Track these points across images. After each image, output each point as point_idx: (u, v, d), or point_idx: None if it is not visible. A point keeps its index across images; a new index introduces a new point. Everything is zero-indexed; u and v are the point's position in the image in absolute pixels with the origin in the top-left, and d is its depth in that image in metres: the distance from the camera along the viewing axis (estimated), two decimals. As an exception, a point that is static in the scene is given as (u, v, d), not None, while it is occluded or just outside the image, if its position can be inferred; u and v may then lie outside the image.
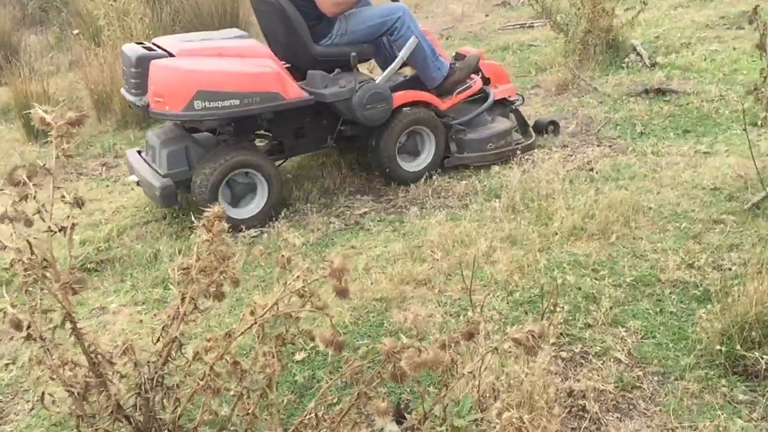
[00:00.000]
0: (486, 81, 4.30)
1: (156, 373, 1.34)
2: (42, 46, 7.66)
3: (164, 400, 1.34)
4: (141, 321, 2.88)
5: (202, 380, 1.28)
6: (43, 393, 1.30)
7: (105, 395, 1.26)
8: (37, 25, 8.52)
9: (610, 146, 4.16)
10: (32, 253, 1.17)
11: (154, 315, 2.92)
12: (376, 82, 3.77)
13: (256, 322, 1.34)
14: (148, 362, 1.36)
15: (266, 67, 3.58)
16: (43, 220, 1.18)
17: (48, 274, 1.21)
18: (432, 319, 2.65)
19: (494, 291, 2.80)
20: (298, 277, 1.34)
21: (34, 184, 1.17)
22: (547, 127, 4.38)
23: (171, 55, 3.55)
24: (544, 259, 2.96)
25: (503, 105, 4.31)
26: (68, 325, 1.25)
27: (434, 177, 3.94)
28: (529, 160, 4.04)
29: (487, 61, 4.46)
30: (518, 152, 4.02)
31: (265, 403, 1.40)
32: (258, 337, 1.36)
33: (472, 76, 4.18)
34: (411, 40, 3.81)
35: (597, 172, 3.76)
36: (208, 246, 1.39)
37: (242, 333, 1.35)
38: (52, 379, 1.29)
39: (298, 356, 2.51)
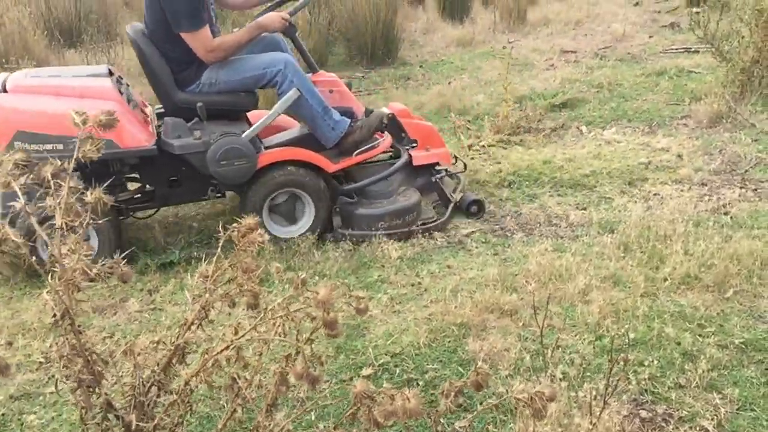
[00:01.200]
0: (410, 143, 3.85)
1: (154, 378, 1.37)
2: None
3: (165, 404, 1.37)
4: (229, 314, 2.98)
5: (177, 394, 1.29)
6: (57, 380, 1.38)
7: (96, 393, 1.31)
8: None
9: (754, 189, 3.76)
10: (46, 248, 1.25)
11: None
12: (241, 136, 3.39)
13: (232, 343, 1.33)
14: (157, 364, 1.40)
15: (99, 110, 3.21)
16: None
17: (56, 270, 1.28)
18: (507, 353, 2.53)
19: (581, 333, 2.61)
20: (279, 304, 1.30)
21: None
22: (469, 207, 3.75)
23: (5, 90, 3.31)
24: (645, 305, 2.72)
25: (431, 173, 3.86)
26: (67, 320, 1.31)
27: (551, 203, 3.76)
28: (658, 195, 3.75)
29: (416, 121, 3.96)
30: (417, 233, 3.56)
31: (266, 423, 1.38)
32: (236, 359, 1.35)
33: (380, 135, 3.76)
34: (290, 93, 3.44)
35: (731, 217, 3.41)
36: (233, 257, 1.40)
37: (218, 354, 1.34)
38: (65, 368, 1.35)
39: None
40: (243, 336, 1.32)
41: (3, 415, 2.42)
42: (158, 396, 1.41)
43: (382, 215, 3.55)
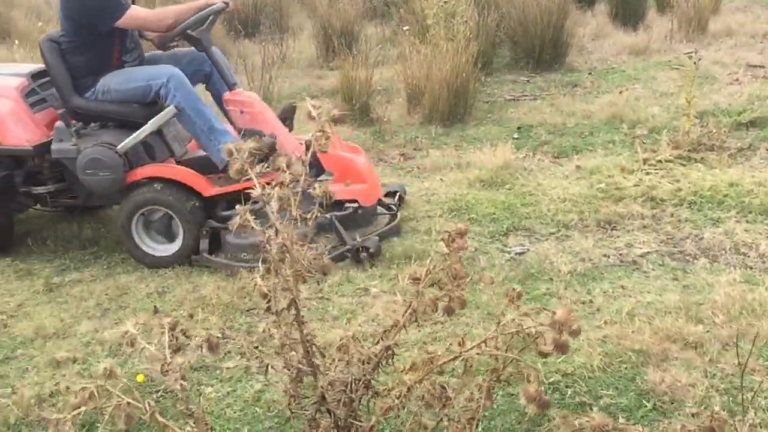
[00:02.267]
0: (326, 175, 3.54)
1: (364, 376, 1.36)
2: (378, 38, 8.35)
3: (370, 404, 1.36)
4: (395, 311, 2.98)
5: (398, 398, 1.26)
6: (268, 365, 1.40)
7: (312, 385, 1.32)
8: (378, 18, 9.32)
9: None
10: (276, 236, 1.27)
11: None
12: (115, 148, 3.41)
13: (460, 355, 1.29)
14: (364, 362, 1.39)
15: None
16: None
17: (283, 261, 1.29)
18: (692, 389, 2.34)
19: (780, 377, 2.37)
20: (513, 320, 1.24)
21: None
22: (358, 251, 3.37)
23: None
24: None
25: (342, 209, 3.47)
26: (293, 310, 1.32)
27: (738, 230, 3.47)
28: None
29: (339, 152, 3.59)
30: None
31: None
32: (463, 370, 1.30)
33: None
34: (167, 109, 3.41)
35: None
36: (443, 261, 1.37)
37: (445, 363, 1.30)
38: (277, 354, 1.37)
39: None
40: (472, 348, 1.28)
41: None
42: (364, 395, 1.40)
43: (248, 246, 3.34)
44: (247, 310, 3.07)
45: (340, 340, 1.40)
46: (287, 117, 3.84)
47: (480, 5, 6.94)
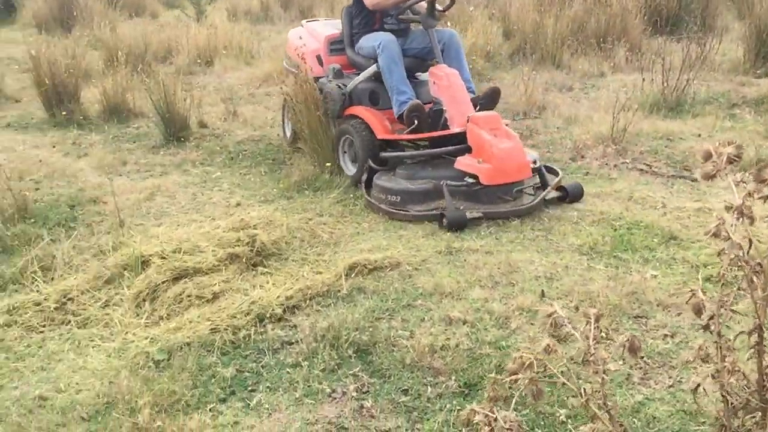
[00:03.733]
0: (466, 150, 4.15)
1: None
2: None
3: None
4: None
5: None
6: (697, 386, 1.29)
7: (760, 423, 1.17)
8: None
9: None
10: (748, 252, 1.14)
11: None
12: (346, 87, 4.61)
13: None
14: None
15: (303, 46, 5.08)
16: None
17: (755, 279, 1.16)
18: None
19: None
20: None
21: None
22: (441, 217, 3.95)
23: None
24: None
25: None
26: (755, 336, 1.18)
27: None
28: None
29: (483, 132, 4.05)
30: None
31: None
32: None
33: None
34: (371, 67, 4.54)
35: None
36: None
37: None
38: (713, 378, 1.26)
39: None
40: None
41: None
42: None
43: (375, 185, 4.24)
44: (635, 317, 2.94)
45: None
46: (484, 98, 4.50)
47: None
